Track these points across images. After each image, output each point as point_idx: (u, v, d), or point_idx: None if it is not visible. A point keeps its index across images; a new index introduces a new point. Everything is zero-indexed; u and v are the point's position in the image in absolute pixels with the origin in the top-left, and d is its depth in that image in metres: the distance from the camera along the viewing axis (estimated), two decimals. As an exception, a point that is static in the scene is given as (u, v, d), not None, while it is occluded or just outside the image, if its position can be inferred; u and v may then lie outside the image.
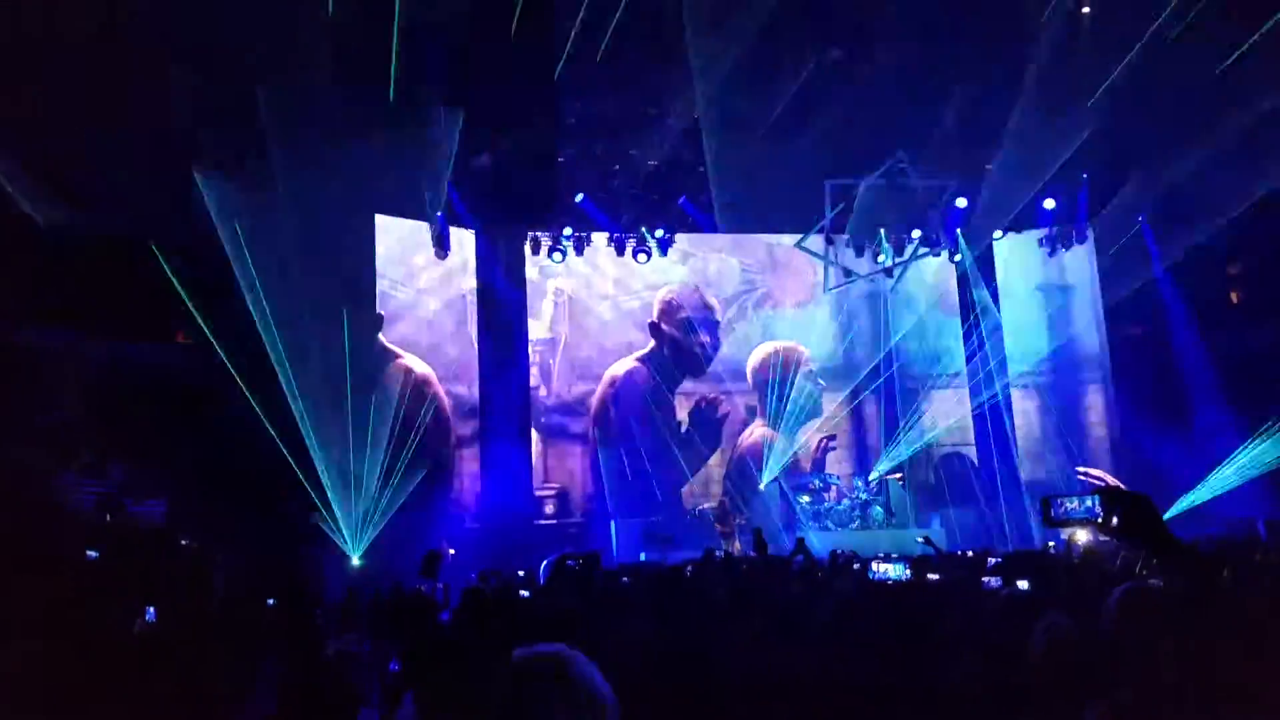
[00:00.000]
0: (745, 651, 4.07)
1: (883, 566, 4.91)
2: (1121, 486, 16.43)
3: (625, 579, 9.69)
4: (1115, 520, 2.38)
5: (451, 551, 14.26)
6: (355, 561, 14.00)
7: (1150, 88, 15.11)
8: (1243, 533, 12.19)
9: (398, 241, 16.75)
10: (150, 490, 11.74)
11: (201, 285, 12.78)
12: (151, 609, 4.81)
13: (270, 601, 8.13)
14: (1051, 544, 12.13)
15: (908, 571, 4.59)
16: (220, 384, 12.53)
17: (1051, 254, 18.99)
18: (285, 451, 12.94)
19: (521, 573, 12.10)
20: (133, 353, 12.60)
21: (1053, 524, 2.51)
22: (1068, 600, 4.57)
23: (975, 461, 18.97)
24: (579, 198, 17.39)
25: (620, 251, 18.20)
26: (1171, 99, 15.14)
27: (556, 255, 17.90)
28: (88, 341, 12.33)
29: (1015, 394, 18.93)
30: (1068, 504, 2.48)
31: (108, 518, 8.03)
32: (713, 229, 18.30)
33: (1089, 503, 2.39)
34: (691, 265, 18.91)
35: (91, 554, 6.83)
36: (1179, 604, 2.47)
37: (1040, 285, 19.25)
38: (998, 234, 18.68)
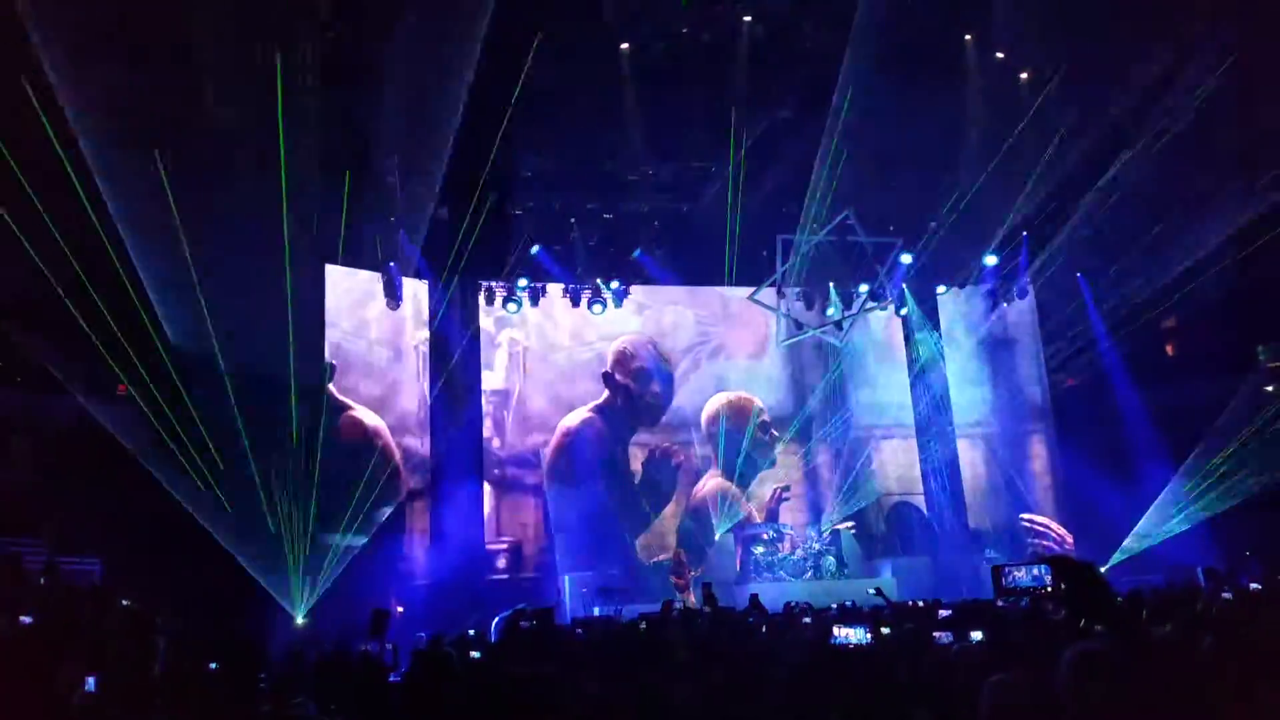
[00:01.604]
0: (705, 707, 4.06)
1: (844, 631, 4.93)
2: (1070, 554, 16.78)
3: (580, 632, 9.62)
4: (1063, 588, 2.45)
5: (400, 609, 14.01)
6: (299, 620, 13.63)
7: (1090, 152, 15.79)
8: (1182, 580, 12.47)
9: (348, 292, 16.62)
10: (85, 548, 11.34)
11: (143, 337, 12.50)
12: (92, 678, 4.64)
13: (213, 665, 7.89)
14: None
15: (868, 635, 4.63)
16: (162, 439, 12.22)
17: (994, 308, 19.52)
18: (227, 506, 12.62)
19: (472, 631, 11.89)
20: (71, 407, 12.27)
21: (1003, 593, 2.59)
22: (1018, 653, 4.64)
23: (924, 510, 19.20)
24: (534, 249, 17.47)
25: (575, 303, 18.28)
26: (1108, 165, 15.82)
27: (511, 306, 17.90)
28: (37, 399, 12.01)
29: (962, 444, 19.30)
30: (1016, 573, 2.56)
31: (42, 580, 7.72)
32: (667, 281, 18.50)
33: (1037, 571, 2.48)
34: (646, 316, 19.04)
35: (25, 619, 6.57)
36: (1126, 664, 2.53)
37: (984, 339, 19.76)
38: (942, 289, 19.18)
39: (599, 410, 18.41)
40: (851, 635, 4.78)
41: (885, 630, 5.76)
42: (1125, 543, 16.60)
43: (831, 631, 5.14)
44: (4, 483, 10.67)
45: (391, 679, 7.94)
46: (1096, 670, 2.82)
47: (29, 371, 12.38)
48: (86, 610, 6.65)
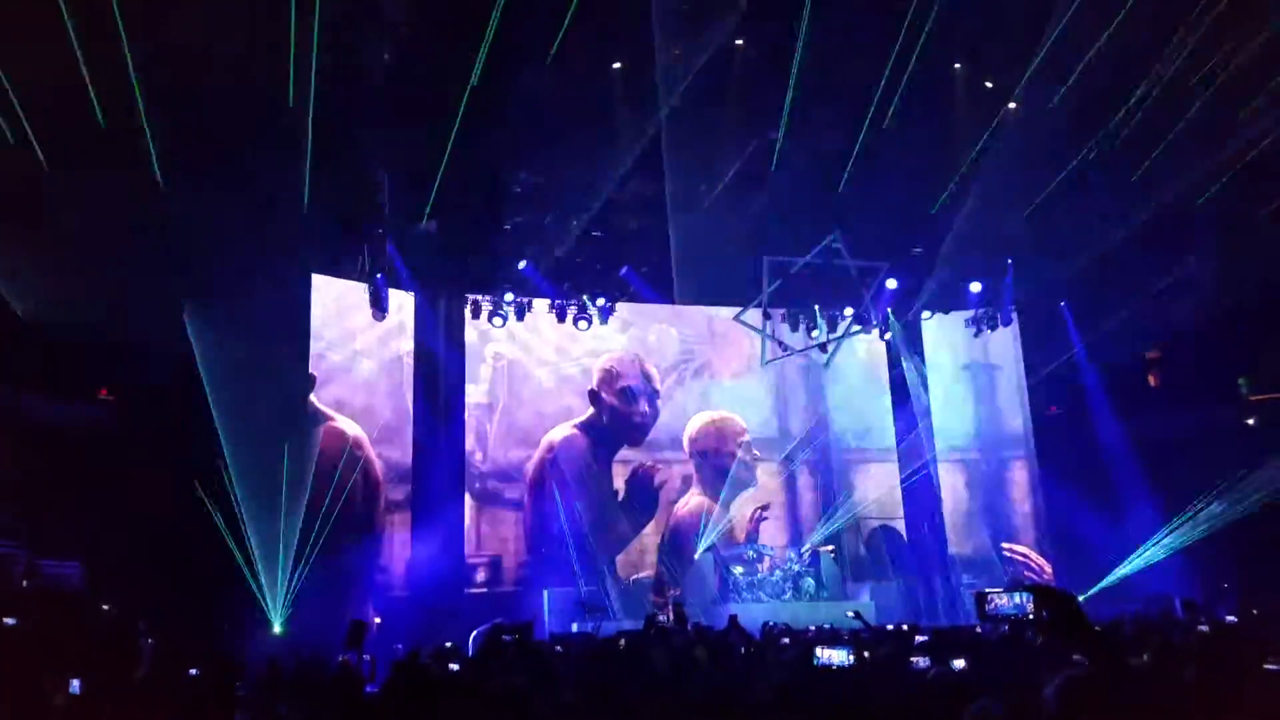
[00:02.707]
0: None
1: (827, 652, 4.97)
2: (1050, 583, 16.84)
3: (559, 648, 9.60)
4: (1045, 616, 2.52)
5: (378, 621, 13.94)
6: (277, 629, 13.53)
7: (1074, 183, 16.00)
8: (1159, 610, 12.59)
9: (334, 301, 16.58)
10: (65, 551, 11.23)
11: (124, 342, 12.44)
12: (76, 681, 4.62)
13: (192, 672, 7.84)
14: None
15: (851, 657, 4.67)
16: (143, 444, 12.16)
17: (977, 334, 19.71)
18: (211, 511, 12.55)
19: (449, 644, 11.84)
20: (55, 409, 12.19)
21: (986, 618, 2.67)
22: (997, 679, 4.69)
23: (904, 534, 19.28)
24: (522, 264, 17.52)
25: (561, 318, 18.32)
26: (1093, 193, 16.03)
27: (497, 320, 17.92)
28: (20, 397, 11.93)
29: (943, 468, 19.38)
30: (999, 600, 2.64)
31: (24, 582, 7.65)
32: (653, 299, 18.59)
33: (1019, 599, 2.56)
34: (632, 334, 19.11)
35: (9, 620, 6.52)
36: (1112, 693, 2.59)
37: (967, 364, 19.93)
38: (926, 314, 19.35)
39: (583, 427, 18.43)
40: (834, 656, 4.82)
41: (865, 654, 5.81)
42: (1105, 572, 16.68)
43: (814, 653, 5.17)
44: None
45: (368, 690, 7.93)
46: (1083, 698, 2.87)
47: (8, 371, 12.29)
48: (69, 614, 6.60)
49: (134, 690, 4.98)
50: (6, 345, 11.88)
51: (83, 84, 10.94)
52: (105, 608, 8.64)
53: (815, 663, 4.87)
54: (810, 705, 3.35)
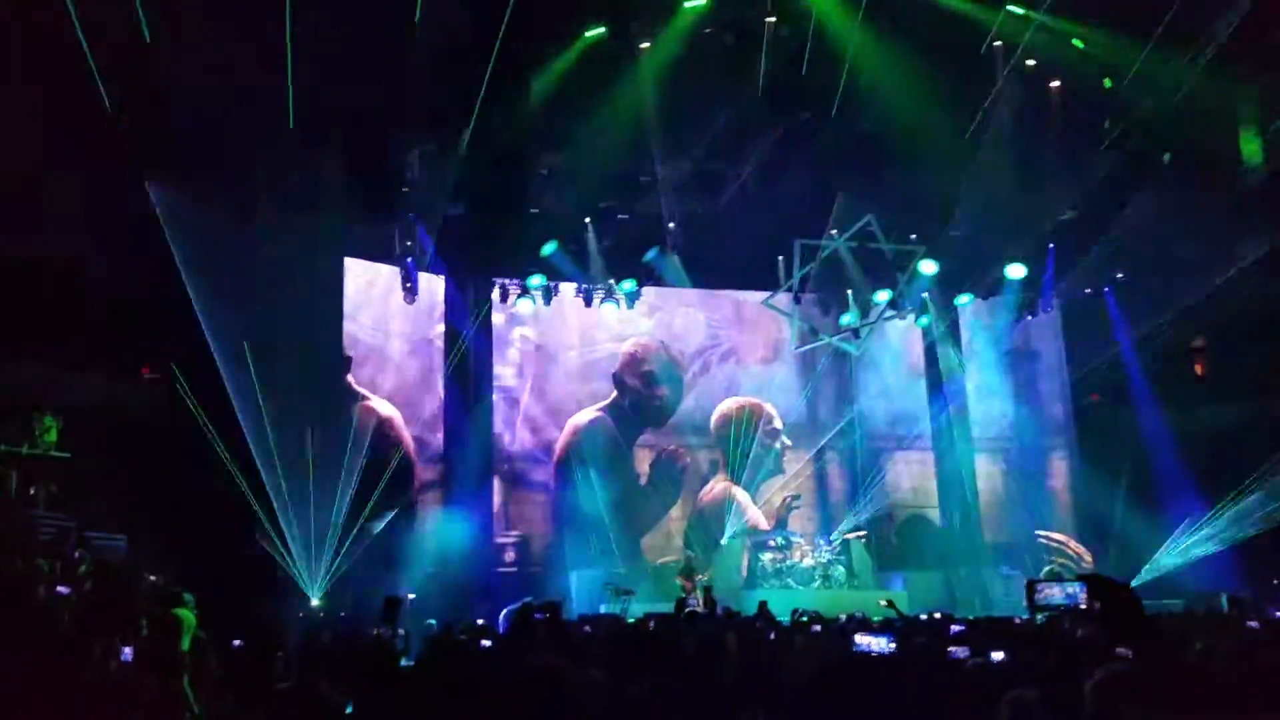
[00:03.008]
0: (714, 708, 4.08)
1: (867, 639, 4.93)
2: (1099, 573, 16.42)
3: (587, 629, 9.65)
4: (1098, 607, 2.46)
5: (411, 597, 14.09)
6: (315, 602, 13.74)
7: (1121, 164, 15.58)
8: (1204, 606, 12.31)
9: (368, 284, 16.72)
10: (111, 525, 11.48)
11: (168, 322, 12.62)
12: (128, 649, 4.71)
13: (236, 643, 7.99)
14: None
15: (891, 645, 4.62)
16: (184, 421, 12.35)
17: (1017, 321, 19.28)
18: (246, 490, 12.73)
19: (480, 621, 11.95)
20: (102, 388, 12.41)
21: (1036, 609, 2.61)
22: (1036, 671, 4.63)
23: (938, 523, 19.08)
24: (548, 249, 17.49)
25: (588, 302, 18.28)
26: (1139, 177, 15.62)
27: (524, 304, 17.96)
28: (65, 376, 12.17)
29: (979, 457, 19.02)
30: (1050, 589, 2.59)
31: (76, 553, 7.84)
32: (681, 283, 18.47)
33: (1071, 589, 2.50)
34: (658, 318, 19.02)
35: (63, 589, 6.66)
36: (1154, 687, 2.53)
37: (1006, 351, 19.48)
38: (964, 299, 18.94)
39: (607, 410, 18.42)
40: (874, 643, 4.78)
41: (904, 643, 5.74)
42: (1145, 565, 16.32)
43: (854, 639, 5.12)
44: (34, 457, 10.86)
45: (402, 664, 8.02)
46: (1124, 692, 2.81)
47: (55, 347, 12.53)
48: (118, 584, 6.76)
49: (179, 658, 5.09)
50: (51, 325, 12.12)
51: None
52: (152, 578, 8.83)
53: (854, 649, 4.83)
54: (848, 692, 3.32)
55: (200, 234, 12.61)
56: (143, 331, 12.40)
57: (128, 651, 4.65)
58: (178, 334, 12.54)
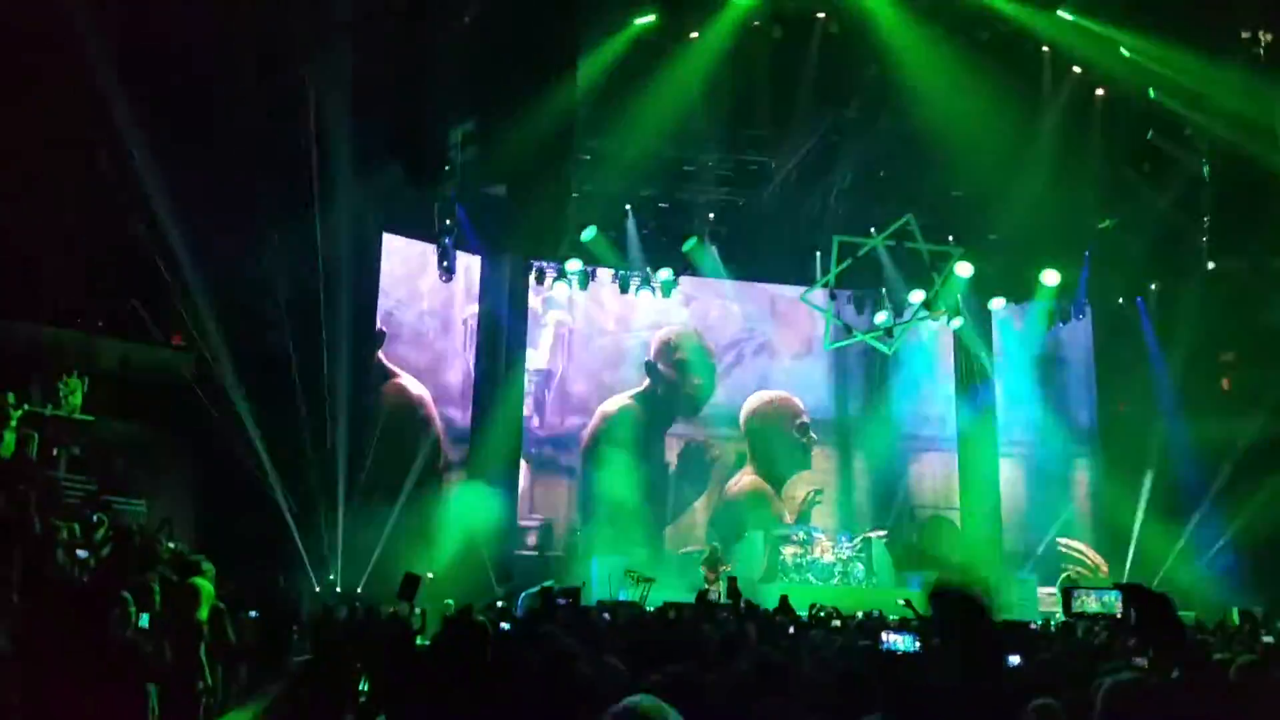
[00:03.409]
0: (734, 700, 4.07)
1: (893, 637, 4.92)
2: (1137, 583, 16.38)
3: (606, 615, 9.68)
4: (1134, 617, 2.43)
5: (430, 575, 14.19)
6: (333, 577, 13.87)
7: (1158, 175, 15.44)
8: (1216, 620, 12.20)
9: (403, 261, 16.82)
10: (131, 490, 11.64)
11: (199, 288, 12.74)
12: (146, 614, 4.78)
13: (252, 614, 8.09)
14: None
15: (917, 644, 4.62)
16: (211, 389, 12.48)
17: (1049, 327, 19.15)
18: (269, 461, 12.84)
19: (500, 603, 12.03)
20: (122, 349, 12.55)
21: (1072, 615, 2.57)
22: (1054, 677, 4.59)
23: (959, 525, 18.97)
24: (588, 233, 17.51)
25: (624, 289, 18.30)
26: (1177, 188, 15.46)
27: (560, 287, 17.98)
28: (92, 339, 12.32)
29: (1004, 462, 18.99)
30: (1087, 597, 2.54)
31: (95, 517, 7.99)
32: (718, 274, 18.45)
33: (1107, 598, 2.46)
34: (693, 308, 19.02)
35: (81, 553, 6.77)
36: (1168, 697, 2.50)
37: (1036, 357, 19.41)
38: (998, 303, 18.84)
39: (639, 398, 18.46)
40: (900, 642, 4.77)
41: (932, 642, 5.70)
42: (1159, 576, 16.24)
43: (881, 637, 5.12)
44: (58, 419, 11.01)
45: (418, 643, 8.08)
46: (1131, 701, 2.78)
47: (84, 312, 12.69)
48: (136, 550, 6.87)
49: (197, 628, 5.17)
50: (81, 291, 12.28)
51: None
52: (171, 546, 8.97)
53: (881, 647, 4.82)
54: (871, 689, 3.32)
55: (236, 198, 12.67)
56: (172, 296, 12.50)
57: (146, 618, 4.72)
58: (209, 299, 12.64)
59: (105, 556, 6.94)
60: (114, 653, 4.20)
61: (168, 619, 5.01)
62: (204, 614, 5.43)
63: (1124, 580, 16.67)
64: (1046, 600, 16.87)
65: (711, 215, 17.95)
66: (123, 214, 11.79)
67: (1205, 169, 15.83)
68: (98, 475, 11.18)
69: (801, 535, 17.10)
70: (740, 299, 19.27)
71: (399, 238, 16.53)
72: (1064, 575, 17.44)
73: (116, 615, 4.39)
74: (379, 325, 16.03)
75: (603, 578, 15.83)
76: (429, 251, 16.83)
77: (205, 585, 5.70)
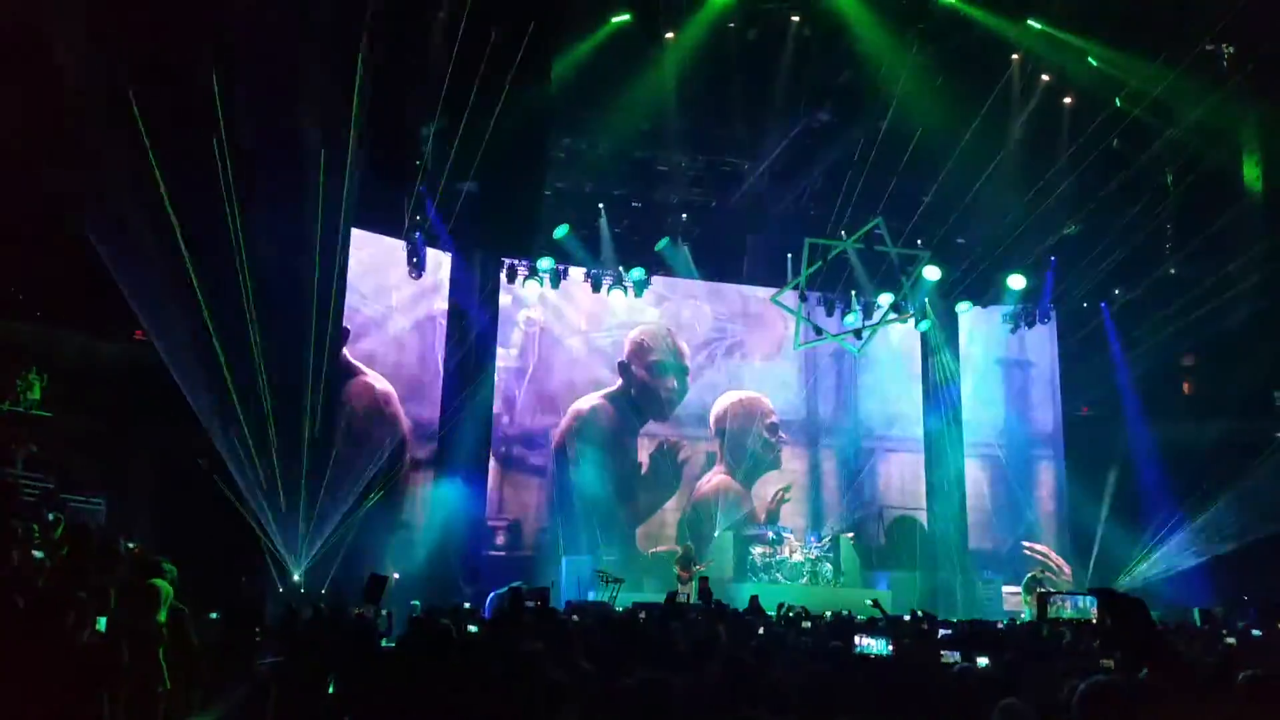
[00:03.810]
0: (706, 705, 4.05)
1: (867, 640, 4.94)
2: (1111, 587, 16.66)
3: (575, 616, 9.63)
4: (1108, 622, 2.43)
5: (396, 577, 14.05)
6: (296, 578, 13.68)
7: (1126, 182, 15.69)
8: (1175, 621, 12.41)
9: (371, 256, 16.58)
10: (91, 489, 11.39)
11: (159, 283, 12.49)
12: (103, 619, 4.65)
13: (213, 615, 7.92)
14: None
15: (889, 647, 4.64)
16: (172, 386, 12.25)
17: (1015, 330, 19.40)
18: (232, 460, 12.62)
19: (467, 605, 11.92)
20: (82, 344, 12.29)
21: (1047, 621, 2.57)
22: (1021, 678, 4.62)
23: (925, 526, 19.15)
24: (560, 231, 17.43)
25: (596, 288, 18.24)
26: (1142, 196, 15.73)
27: (532, 285, 17.88)
28: (51, 333, 12.05)
29: (969, 463, 19.21)
30: (1062, 603, 2.54)
31: (51, 516, 7.77)
32: (690, 274, 18.47)
33: (1083, 603, 2.46)
34: (665, 308, 19.00)
35: (37, 554, 6.59)
36: (1136, 699, 2.51)
37: (1001, 360, 19.66)
38: (964, 306, 19.06)
39: (610, 398, 18.41)
40: (874, 645, 4.79)
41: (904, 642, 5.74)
42: (1122, 578, 16.58)
43: (854, 640, 5.13)
44: (15, 416, 10.74)
45: (384, 644, 7.98)
46: (1109, 705, 2.79)
47: (43, 306, 12.40)
48: (94, 550, 6.70)
49: (156, 630, 5.04)
50: (43, 283, 11.99)
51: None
52: (131, 546, 8.78)
53: (855, 650, 4.84)
54: (848, 690, 3.32)
55: (201, 191, 12.43)
56: (133, 290, 12.25)
57: (103, 621, 4.59)
58: (170, 294, 12.40)
59: (62, 557, 6.75)
60: (70, 657, 4.08)
61: (125, 621, 4.87)
62: (163, 616, 5.29)
63: (1087, 583, 16.98)
64: (1011, 600, 17.11)
65: (684, 216, 17.95)
66: (80, 205, 11.54)
67: (1169, 177, 16.17)
68: (56, 473, 10.92)
69: (771, 535, 17.21)
70: (712, 299, 19.30)
71: (366, 232, 16.29)
72: (1029, 576, 17.67)
73: (73, 618, 4.26)
74: (345, 322, 15.81)
75: (572, 578, 15.78)
76: (398, 248, 16.65)
77: (165, 586, 5.56)
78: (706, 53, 14.60)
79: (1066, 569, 18.43)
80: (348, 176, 14.06)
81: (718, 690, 4.30)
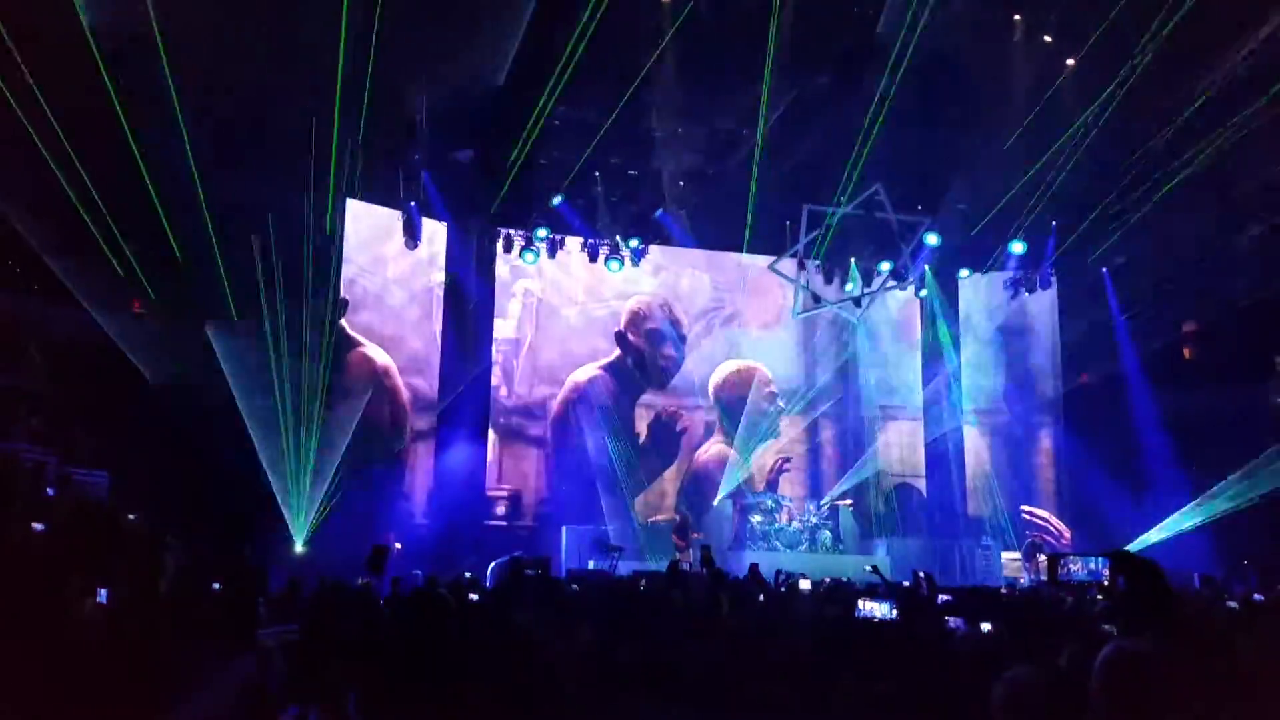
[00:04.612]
0: (712, 668, 4.06)
1: (869, 604, 4.93)
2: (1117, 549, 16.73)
3: (575, 585, 9.66)
4: (1120, 584, 2.40)
5: (398, 546, 14.12)
6: (299, 549, 13.74)
7: (1128, 148, 15.53)
8: (1178, 584, 12.49)
9: (368, 228, 16.50)
10: (93, 461, 11.39)
11: (159, 256, 12.43)
12: (104, 590, 4.64)
13: (215, 586, 7.93)
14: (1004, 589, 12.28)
15: (894, 612, 4.62)
16: (173, 359, 12.23)
17: (1014, 296, 19.31)
18: (234, 431, 12.64)
19: (468, 574, 11.97)
20: (90, 322, 12.24)
21: (1058, 584, 2.55)
22: (1025, 644, 4.62)
23: (924, 493, 19.20)
24: (556, 200, 17.29)
25: (593, 258, 18.13)
26: (1144, 162, 15.57)
27: (529, 255, 17.78)
28: (50, 309, 11.99)
29: (968, 430, 19.23)
30: (1073, 566, 2.52)
31: (51, 490, 7.74)
32: (687, 243, 18.34)
33: (1094, 564, 2.43)
34: (663, 278, 18.92)
35: (38, 526, 6.58)
36: (1165, 666, 2.48)
37: (1001, 326, 19.58)
38: (964, 273, 18.96)
39: (609, 368, 18.38)
40: (877, 609, 4.78)
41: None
42: (1121, 543, 16.64)
43: (856, 604, 5.13)
44: (16, 390, 10.70)
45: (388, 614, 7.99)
46: (1135, 671, 2.75)
47: (43, 280, 12.34)
48: (97, 523, 6.68)
49: (158, 602, 5.03)
50: (39, 259, 11.91)
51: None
52: (131, 518, 8.77)
53: (857, 614, 4.83)
54: (853, 654, 3.31)
55: (197, 166, 12.33)
56: (134, 265, 12.19)
57: (104, 593, 4.59)
58: (170, 268, 12.34)
59: (64, 530, 6.76)
60: (72, 629, 4.08)
61: (127, 593, 4.87)
62: (165, 587, 5.30)
63: (1088, 548, 17.04)
64: (1010, 566, 17.19)
65: (681, 184, 17.79)
66: (76, 179, 11.43)
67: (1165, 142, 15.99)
68: (58, 447, 10.92)
69: (769, 503, 17.26)
70: (710, 268, 19.21)
71: (361, 203, 16.18)
72: (1028, 542, 17.78)
73: (75, 590, 4.26)
74: (343, 293, 15.76)
75: (572, 548, 15.85)
76: (394, 218, 16.53)
77: (168, 558, 5.56)
78: (703, 17, 14.36)
79: (1067, 533, 18.51)
80: (338, 145, 13.93)
81: (720, 662, 4.30)
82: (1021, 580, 16.15)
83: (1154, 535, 16.39)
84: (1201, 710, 2.22)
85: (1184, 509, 16.13)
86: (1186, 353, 18.94)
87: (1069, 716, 2.65)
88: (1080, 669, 3.12)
